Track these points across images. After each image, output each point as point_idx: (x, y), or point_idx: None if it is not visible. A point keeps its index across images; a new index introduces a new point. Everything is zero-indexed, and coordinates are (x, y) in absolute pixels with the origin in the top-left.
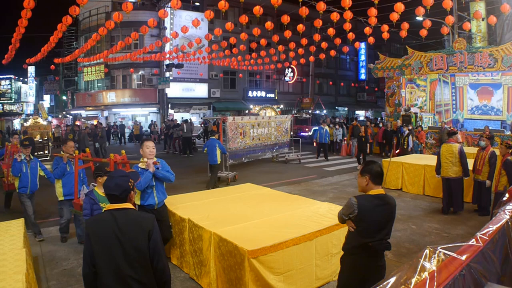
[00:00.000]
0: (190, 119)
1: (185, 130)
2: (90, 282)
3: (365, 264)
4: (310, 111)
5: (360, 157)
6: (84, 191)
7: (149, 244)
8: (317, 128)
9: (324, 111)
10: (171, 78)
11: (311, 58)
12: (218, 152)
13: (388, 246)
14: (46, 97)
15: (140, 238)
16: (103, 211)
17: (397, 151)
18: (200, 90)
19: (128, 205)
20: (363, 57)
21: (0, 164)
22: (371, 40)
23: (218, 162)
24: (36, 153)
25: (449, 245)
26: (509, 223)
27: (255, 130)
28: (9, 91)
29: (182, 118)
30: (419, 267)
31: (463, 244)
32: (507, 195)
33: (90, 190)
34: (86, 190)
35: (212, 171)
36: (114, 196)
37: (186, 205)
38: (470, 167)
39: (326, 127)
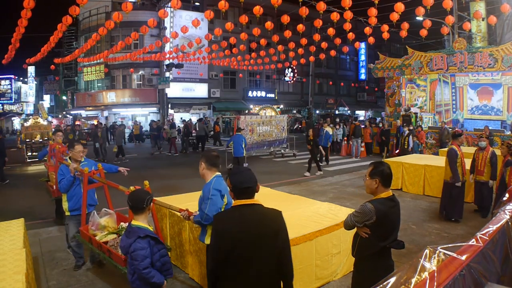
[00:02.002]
0: (203, 118)
1: (197, 129)
2: (215, 277)
3: (385, 265)
4: (333, 111)
5: (322, 159)
6: (95, 217)
7: (276, 242)
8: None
9: (348, 111)
10: (171, 78)
11: (311, 58)
12: (243, 145)
13: (403, 245)
14: (46, 97)
15: (268, 236)
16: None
17: (396, 151)
18: (200, 90)
19: (256, 201)
20: (363, 57)
21: (45, 166)
22: (371, 40)
23: (244, 155)
24: (36, 153)
25: (449, 245)
26: (509, 223)
27: (261, 127)
28: (9, 91)
29: (181, 118)
30: (419, 267)
31: (463, 244)
32: (507, 195)
33: (141, 228)
34: (98, 219)
35: (239, 162)
36: (250, 189)
37: (185, 205)
38: (468, 167)
39: (327, 129)
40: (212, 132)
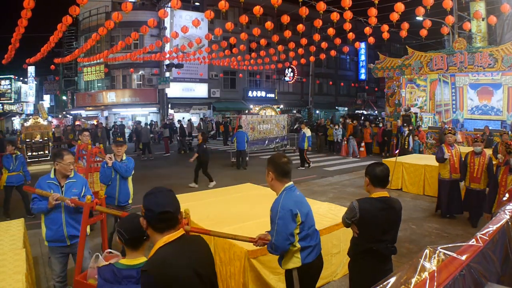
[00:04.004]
0: (204, 118)
1: (201, 128)
2: None
3: (373, 268)
4: (361, 111)
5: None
6: (99, 261)
7: (215, 275)
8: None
9: (375, 112)
10: (171, 78)
11: (311, 58)
12: (246, 140)
13: (393, 251)
14: (46, 97)
15: (213, 270)
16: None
17: (396, 151)
18: (200, 90)
19: (182, 231)
20: (363, 57)
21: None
22: (371, 40)
23: (245, 149)
24: (36, 153)
25: (449, 245)
26: (509, 223)
27: (261, 126)
28: (9, 91)
29: (183, 118)
30: (419, 267)
31: (463, 244)
32: (507, 195)
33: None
34: (103, 262)
35: (242, 155)
36: (170, 216)
37: (185, 205)
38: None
39: (305, 130)
40: (212, 132)
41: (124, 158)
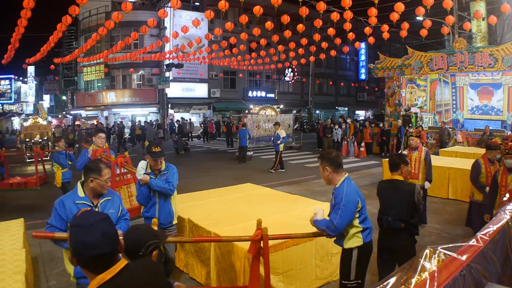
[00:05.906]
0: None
1: (189, 128)
2: None
3: (381, 236)
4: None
5: None
6: None
7: None
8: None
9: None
10: (171, 78)
11: (311, 58)
12: (247, 137)
13: (390, 223)
14: (46, 97)
15: None
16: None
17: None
18: (200, 90)
19: (124, 261)
20: (363, 57)
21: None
22: (371, 40)
23: (247, 145)
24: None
25: (449, 245)
26: (509, 223)
27: (266, 124)
28: (9, 91)
29: (182, 118)
30: (419, 267)
31: (463, 244)
32: (507, 195)
33: None
34: None
35: (243, 150)
36: (107, 257)
37: (186, 205)
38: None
39: (279, 131)
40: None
41: (163, 167)
